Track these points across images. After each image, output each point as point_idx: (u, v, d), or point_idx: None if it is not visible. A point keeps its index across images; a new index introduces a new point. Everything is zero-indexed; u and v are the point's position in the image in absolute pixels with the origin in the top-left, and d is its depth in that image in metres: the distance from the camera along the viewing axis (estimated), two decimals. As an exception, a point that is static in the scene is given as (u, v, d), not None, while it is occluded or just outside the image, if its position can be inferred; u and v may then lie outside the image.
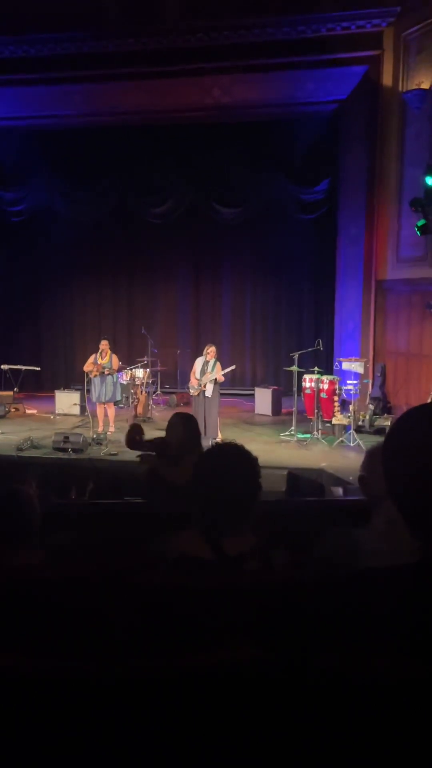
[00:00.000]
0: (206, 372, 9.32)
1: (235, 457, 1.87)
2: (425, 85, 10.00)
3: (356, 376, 10.04)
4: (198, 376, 9.37)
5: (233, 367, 9.87)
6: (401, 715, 1.03)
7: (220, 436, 9.34)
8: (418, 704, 1.04)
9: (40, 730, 1.06)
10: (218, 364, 9.40)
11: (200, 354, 9.68)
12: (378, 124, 11.00)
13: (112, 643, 1.39)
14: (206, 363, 9.39)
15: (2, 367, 12.88)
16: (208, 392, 9.25)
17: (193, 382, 9.44)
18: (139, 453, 4.67)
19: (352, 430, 9.34)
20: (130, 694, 1.07)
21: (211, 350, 9.46)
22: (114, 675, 1.09)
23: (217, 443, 2.03)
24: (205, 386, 9.26)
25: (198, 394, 9.34)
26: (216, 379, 9.27)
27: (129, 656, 1.23)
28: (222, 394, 9.93)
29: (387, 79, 10.79)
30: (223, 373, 9.38)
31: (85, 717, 1.07)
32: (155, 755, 1.05)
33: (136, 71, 11.20)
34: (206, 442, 8.20)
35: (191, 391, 9.52)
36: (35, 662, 1.14)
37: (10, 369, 12.79)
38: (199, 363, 9.48)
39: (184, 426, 4.05)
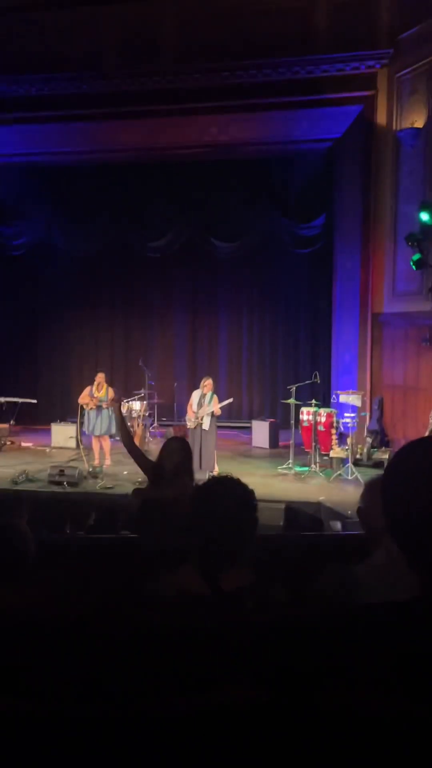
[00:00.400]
0: (203, 405, 9.31)
1: (232, 491, 1.84)
2: (419, 124, 10.21)
3: (354, 408, 10.04)
4: (195, 408, 9.36)
5: (230, 400, 9.87)
6: (401, 754, 1.00)
7: (216, 469, 9.29)
8: (418, 742, 1.02)
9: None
10: (215, 397, 9.40)
11: (197, 387, 9.68)
12: (372, 162, 11.21)
13: (107, 684, 1.35)
14: (203, 396, 9.39)
15: (-2, 399, 12.86)
16: (205, 425, 9.23)
17: (190, 415, 9.42)
18: (136, 486, 4.61)
19: (350, 463, 9.30)
20: (126, 737, 1.04)
21: (207, 383, 9.47)
22: (110, 717, 1.06)
23: (213, 477, 2.01)
24: (202, 419, 9.24)
25: (195, 427, 9.31)
26: (213, 412, 9.26)
27: (125, 698, 1.19)
28: (219, 427, 9.90)
29: (381, 118, 11.02)
30: (220, 406, 9.37)
31: (81, 762, 1.04)
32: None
33: (134, 110, 11.43)
34: (203, 476, 8.16)
35: (188, 423, 9.50)
36: (28, 705, 1.10)
37: (6, 401, 12.76)
38: (195, 396, 9.48)
39: (181, 451, 4.01)
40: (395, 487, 1.22)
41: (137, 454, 4.36)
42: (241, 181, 13.09)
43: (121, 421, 4.70)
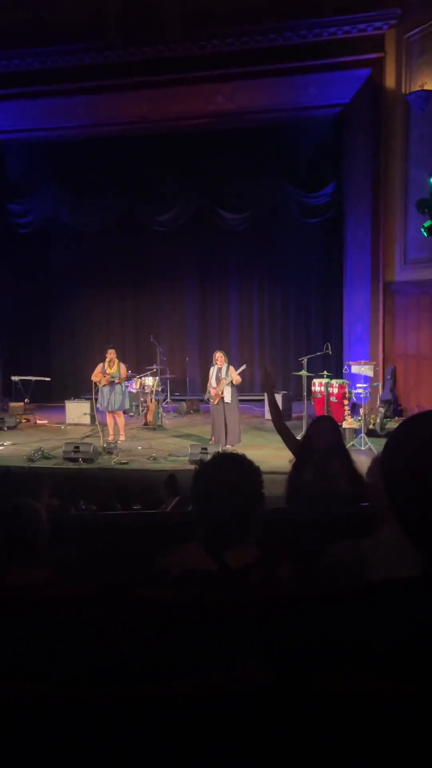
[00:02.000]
0: (221, 378, 9.33)
1: (236, 467, 1.84)
2: (429, 86, 9.98)
3: (366, 379, 9.99)
4: (214, 384, 9.39)
5: (244, 366, 9.85)
6: (408, 735, 1.01)
7: (240, 441, 9.33)
8: (425, 724, 1.02)
9: (41, 758, 1.04)
10: (231, 367, 9.42)
11: (209, 360, 9.69)
12: (382, 127, 10.99)
13: (116, 663, 1.37)
14: (219, 370, 9.41)
15: (12, 378, 12.95)
16: (227, 397, 9.27)
17: (211, 392, 9.46)
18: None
19: (362, 434, 9.28)
20: (136, 717, 1.05)
21: (219, 357, 9.47)
22: (119, 698, 1.08)
23: (218, 453, 2.01)
24: (222, 393, 9.27)
25: (217, 402, 9.34)
26: (232, 381, 9.28)
27: (134, 677, 1.21)
28: (239, 399, 9.91)
29: (390, 82, 10.78)
30: (237, 372, 9.38)
31: (90, 743, 1.05)
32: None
33: (138, 81, 11.26)
34: (216, 450, 8.19)
35: (210, 400, 9.53)
36: (39, 687, 1.12)
37: (20, 380, 12.85)
38: (213, 372, 9.51)
39: (332, 431, 3.85)
40: (396, 463, 1.20)
41: (287, 434, 4.22)
42: (249, 150, 12.90)
43: (273, 403, 4.54)
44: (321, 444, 3.73)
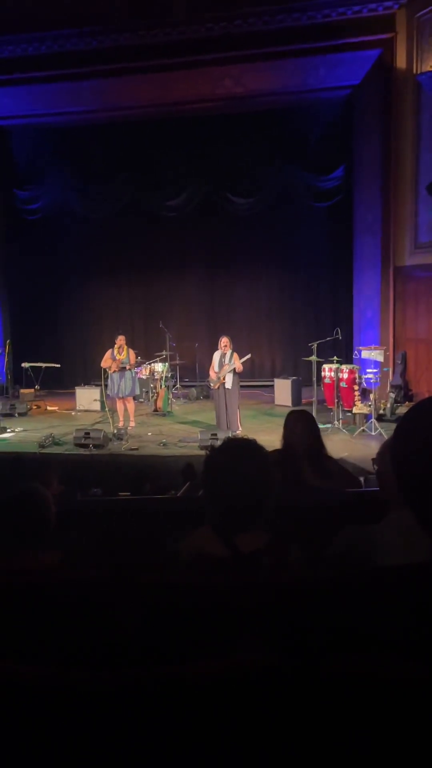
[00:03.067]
0: (224, 364, 9.31)
1: (247, 453, 1.84)
2: (440, 67, 9.83)
3: (376, 364, 9.95)
4: (216, 369, 9.36)
5: (249, 355, 9.83)
6: (417, 718, 1.01)
7: (240, 428, 9.33)
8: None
9: (50, 740, 1.05)
10: (235, 354, 9.39)
11: (218, 346, 9.66)
12: (392, 109, 10.85)
13: (125, 646, 1.38)
14: (223, 355, 9.38)
15: (23, 365, 12.99)
16: (228, 383, 9.24)
17: (212, 376, 9.44)
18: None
19: (373, 419, 9.26)
20: (146, 699, 1.06)
21: (224, 342, 9.45)
22: (129, 680, 1.08)
23: (229, 438, 2.01)
24: (224, 378, 9.25)
25: (218, 387, 9.33)
26: (235, 369, 9.26)
27: (143, 660, 1.22)
28: (242, 386, 9.90)
29: (401, 62, 10.62)
30: (241, 361, 9.36)
31: (100, 724, 1.06)
32: (172, 759, 1.04)
33: (145, 65, 11.17)
34: (225, 435, 8.20)
35: (211, 384, 9.52)
36: (47, 670, 1.13)
37: (30, 366, 12.90)
38: (216, 356, 9.47)
39: (304, 423, 3.81)
40: (406, 447, 1.20)
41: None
42: (258, 134, 12.80)
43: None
44: (294, 439, 3.69)
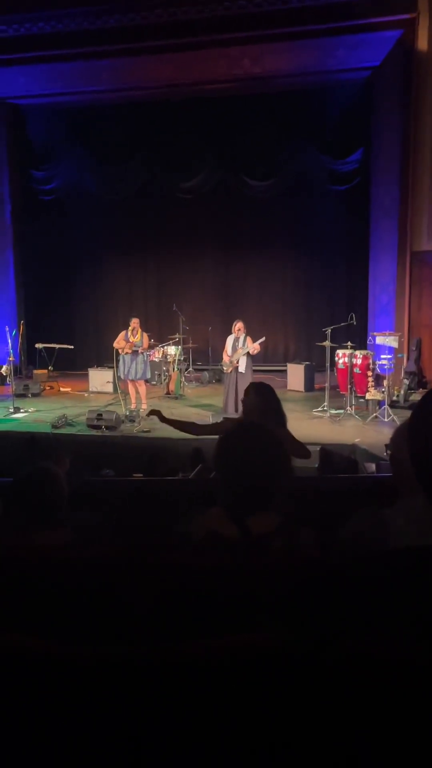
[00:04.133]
0: (237, 348, 9.29)
1: (259, 436, 1.84)
2: (462, 48, 9.64)
3: (391, 350, 9.88)
4: (230, 353, 9.35)
5: (263, 338, 9.79)
6: (427, 701, 1.01)
7: None
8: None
9: (60, 713, 1.06)
10: (249, 338, 9.37)
11: (231, 330, 9.64)
12: (412, 91, 10.67)
13: (136, 624, 1.39)
14: (236, 339, 9.36)
15: (36, 345, 13.05)
16: (242, 367, 9.24)
17: (225, 360, 9.43)
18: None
19: (386, 406, 9.22)
20: (155, 676, 1.07)
21: (238, 326, 9.43)
22: (140, 658, 1.09)
23: (240, 422, 2.00)
24: (237, 362, 9.24)
25: (231, 371, 9.32)
26: (249, 352, 9.24)
27: (154, 638, 1.22)
28: (254, 371, 9.88)
29: (422, 43, 10.43)
30: (255, 344, 9.34)
31: (109, 701, 1.07)
32: (177, 736, 1.04)
33: (163, 44, 11.04)
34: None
35: (224, 368, 9.51)
36: (58, 645, 1.14)
37: (44, 347, 12.95)
38: (230, 341, 9.46)
39: (263, 395, 3.94)
40: (422, 432, 1.19)
41: (211, 428, 4.19)
42: (275, 116, 12.67)
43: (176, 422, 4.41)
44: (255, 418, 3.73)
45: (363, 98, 12.22)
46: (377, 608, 1.27)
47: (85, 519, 2.48)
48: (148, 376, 10.64)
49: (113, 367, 11.07)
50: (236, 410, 9.21)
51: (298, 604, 1.34)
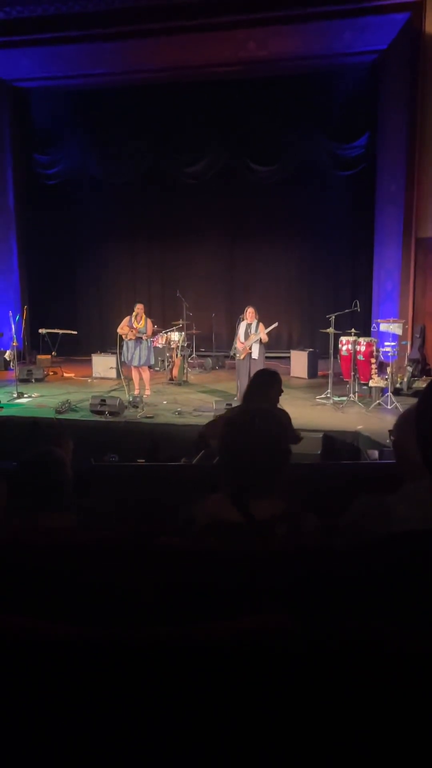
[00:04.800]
0: (250, 334, 9.29)
1: (263, 420, 1.84)
2: (470, 31, 9.53)
3: (394, 337, 9.85)
4: (242, 339, 9.36)
5: (276, 324, 9.78)
6: (427, 685, 1.01)
7: None
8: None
9: (62, 694, 1.07)
10: (261, 324, 9.37)
11: (235, 316, 9.64)
12: (420, 75, 10.54)
13: (140, 608, 1.40)
14: (249, 325, 9.36)
15: (40, 331, 13.05)
16: (255, 354, 9.26)
17: (238, 347, 9.43)
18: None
19: (389, 393, 9.22)
20: (157, 660, 1.08)
21: (249, 312, 9.42)
22: (142, 641, 1.10)
23: (244, 407, 2.01)
24: (250, 348, 9.25)
25: (243, 358, 9.33)
26: (261, 339, 9.25)
27: (157, 622, 1.23)
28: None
29: (430, 27, 10.30)
30: (267, 331, 9.34)
31: (112, 684, 1.08)
32: (181, 721, 1.06)
33: (168, 26, 10.91)
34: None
35: (237, 355, 9.51)
36: (63, 627, 1.15)
37: (47, 333, 12.95)
38: (242, 327, 9.47)
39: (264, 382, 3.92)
40: (429, 416, 1.19)
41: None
42: (280, 100, 12.56)
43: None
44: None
45: (369, 82, 12.11)
46: (380, 593, 1.28)
47: (90, 503, 2.49)
48: (152, 362, 10.64)
49: (116, 353, 11.07)
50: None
51: (301, 589, 1.35)
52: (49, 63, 12.18)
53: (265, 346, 9.67)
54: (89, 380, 11.76)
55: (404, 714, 0.99)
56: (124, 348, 10.16)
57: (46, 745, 1.08)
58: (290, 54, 11.79)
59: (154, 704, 1.06)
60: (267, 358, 10.96)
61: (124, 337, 10.10)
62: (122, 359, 10.46)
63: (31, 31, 11.27)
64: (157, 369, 11.97)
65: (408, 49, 10.62)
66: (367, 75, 12.11)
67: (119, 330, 10.17)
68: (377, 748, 0.98)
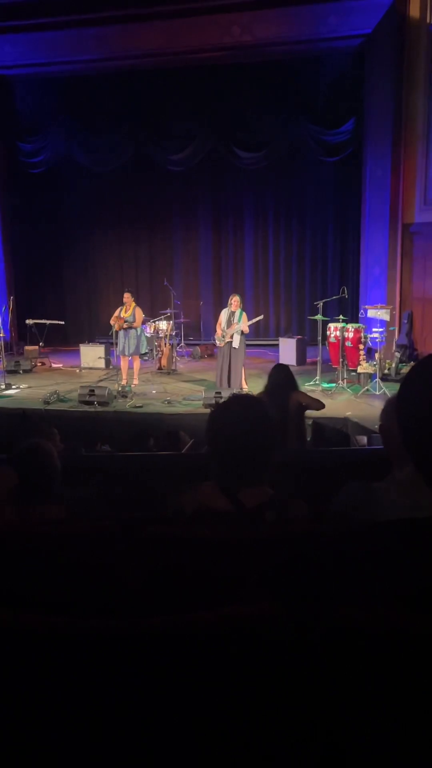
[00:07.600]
0: (232, 323, 9.27)
1: (251, 409, 1.85)
2: (455, 15, 9.49)
3: (382, 323, 9.88)
4: (224, 327, 9.33)
5: (260, 317, 9.76)
6: (418, 672, 1.03)
7: (245, 386, 9.34)
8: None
9: (58, 686, 1.08)
10: (244, 314, 9.35)
11: (223, 305, 9.61)
12: (405, 60, 10.51)
13: (130, 597, 1.41)
14: (232, 314, 9.34)
15: (27, 321, 12.96)
16: (235, 343, 9.23)
17: (218, 333, 9.41)
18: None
19: (377, 379, 9.26)
20: (148, 648, 1.08)
21: (235, 300, 9.39)
22: (133, 630, 1.10)
23: (233, 394, 2.01)
24: (231, 337, 9.23)
25: (224, 345, 9.32)
26: (242, 330, 9.23)
27: (147, 610, 1.24)
28: (246, 345, 9.88)
29: (414, 11, 10.26)
30: (249, 323, 9.32)
31: (104, 673, 1.09)
32: (171, 708, 1.06)
33: (151, 11, 10.80)
34: (230, 393, 8.22)
35: (217, 342, 9.50)
36: (55, 619, 1.15)
37: (34, 323, 12.86)
38: (224, 314, 9.43)
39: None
40: (411, 403, 1.19)
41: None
42: (266, 85, 12.46)
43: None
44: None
45: (355, 67, 12.03)
46: (368, 580, 1.29)
47: (79, 494, 2.49)
48: (142, 350, 10.60)
49: (105, 343, 11.01)
50: (229, 385, 9.22)
51: (290, 575, 1.36)
52: (33, 50, 12.01)
53: (254, 334, 9.66)
54: (77, 370, 11.72)
55: (391, 697, 1.00)
56: (117, 339, 10.12)
57: (37, 729, 1.09)
58: (275, 39, 11.68)
59: (143, 692, 1.07)
60: (257, 345, 11.00)
61: (114, 327, 10.06)
62: (112, 350, 10.42)
63: (14, 17, 11.11)
64: (146, 359, 11.94)
65: (393, 33, 10.56)
66: (352, 60, 12.03)
67: (111, 321, 10.14)
68: (363, 730, 1.00)
